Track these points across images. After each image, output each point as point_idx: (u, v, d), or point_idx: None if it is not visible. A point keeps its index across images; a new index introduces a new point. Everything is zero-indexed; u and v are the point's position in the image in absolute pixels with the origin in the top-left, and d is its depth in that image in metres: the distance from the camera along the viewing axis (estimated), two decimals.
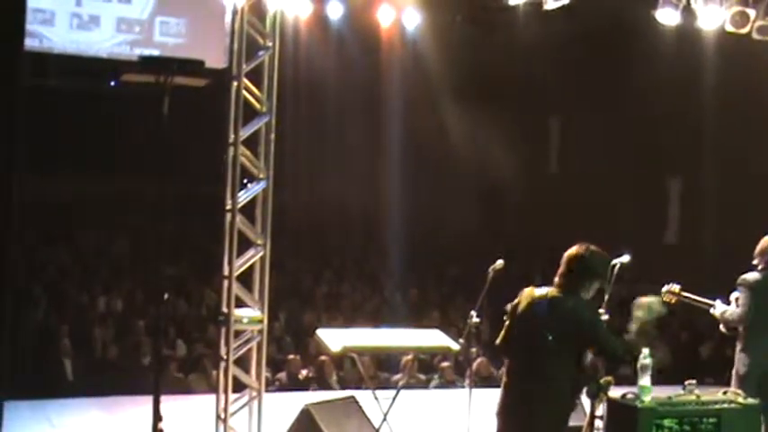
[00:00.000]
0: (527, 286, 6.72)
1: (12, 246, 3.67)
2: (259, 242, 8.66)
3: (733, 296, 8.17)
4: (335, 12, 15.97)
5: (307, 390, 12.00)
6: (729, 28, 10.72)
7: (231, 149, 8.47)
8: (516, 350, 6.58)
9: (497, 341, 6.75)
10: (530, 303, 6.52)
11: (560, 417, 6.49)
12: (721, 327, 8.32)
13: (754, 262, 8.22)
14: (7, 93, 3.58)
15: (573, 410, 6.68)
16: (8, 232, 3.64)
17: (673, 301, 8.46)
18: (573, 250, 6.55)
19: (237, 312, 8.50)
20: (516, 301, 6.62)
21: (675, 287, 8.42)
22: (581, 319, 6.42)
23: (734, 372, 8.10)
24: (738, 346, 8.13)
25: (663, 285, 8.50)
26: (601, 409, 7.40)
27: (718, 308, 8.22)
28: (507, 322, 6.68)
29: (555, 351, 6.36)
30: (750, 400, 7.36)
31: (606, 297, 7.69)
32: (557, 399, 6.43)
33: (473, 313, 8.52)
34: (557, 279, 6.53)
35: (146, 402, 7.16)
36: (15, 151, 3.63)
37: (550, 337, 6.34)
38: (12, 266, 3.69)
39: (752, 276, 8.10)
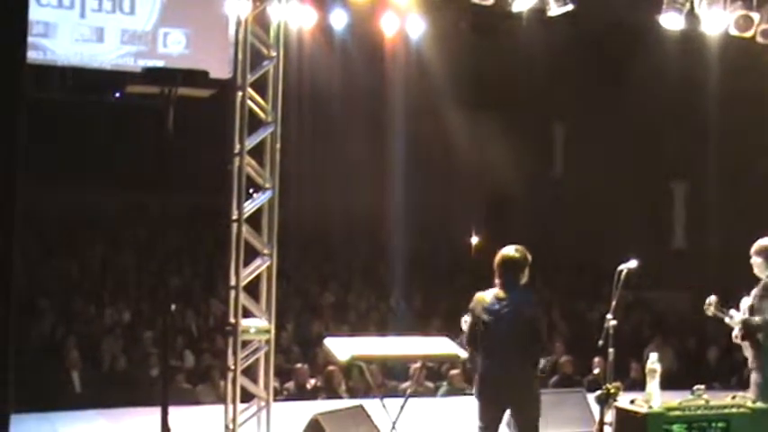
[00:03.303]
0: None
1: (14, 255, 3.66)
2: (265, 252, 8.67)
3: (743, 303, 7.97)
4: (339, 21, 15.93)
5: (315, 399, 11.98)
6: (733, 32, 10.73)
7: (236, 160, 8.49)
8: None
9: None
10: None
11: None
12: (734, 336, 8.02)
13: None
14: (10, 105, 3.58)
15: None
16: (10, 242, 3.63)
17: (710, 313, 8.15)
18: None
19: (245, 322, 8.51)
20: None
21: (713, 298, 8.11)
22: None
23: (752, 380, 7.78)
24: (757, 353, 7.80)
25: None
26: (610, 416, 7.40)
27: (736, 316, 7.94)
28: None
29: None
30: (759, 404, 7.34)
31: (613, 303, 7.69)
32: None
33: None
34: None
35: (154, 413, 7.15)
36: (18, 163, 3.63)
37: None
38: (12, 274, 3.68)
39: None
